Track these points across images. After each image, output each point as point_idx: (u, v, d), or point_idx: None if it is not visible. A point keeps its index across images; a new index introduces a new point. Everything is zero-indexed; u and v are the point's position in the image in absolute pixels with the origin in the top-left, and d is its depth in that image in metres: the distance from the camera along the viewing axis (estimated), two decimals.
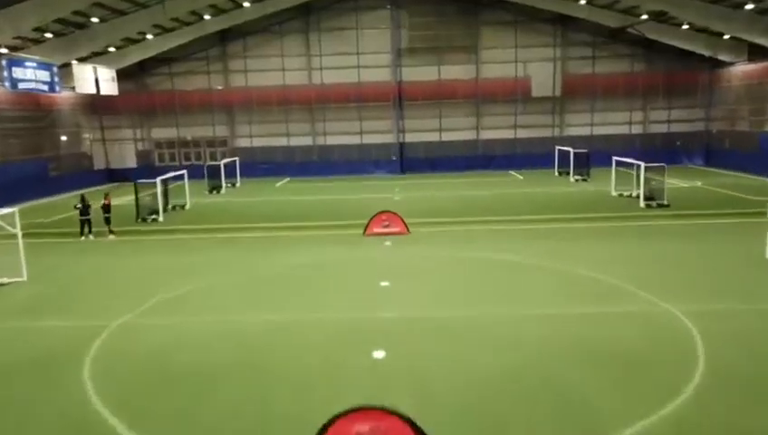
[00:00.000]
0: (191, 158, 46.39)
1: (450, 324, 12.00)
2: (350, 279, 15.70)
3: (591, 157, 36.78)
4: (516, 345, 10.82)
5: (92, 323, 12.71)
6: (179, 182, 30.49)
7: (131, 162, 46.49)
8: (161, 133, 46.31)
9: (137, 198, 26.42)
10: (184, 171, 30.62)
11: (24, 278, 16.27)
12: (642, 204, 25.57)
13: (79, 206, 22.43)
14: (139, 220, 26.03)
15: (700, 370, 9.49)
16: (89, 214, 22.50)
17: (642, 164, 25.72)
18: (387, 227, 21.56)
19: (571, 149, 36.61)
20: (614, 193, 29.04)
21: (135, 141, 46.60)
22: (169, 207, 29.30)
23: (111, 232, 22.77)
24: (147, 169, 44.50)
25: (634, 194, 28.27)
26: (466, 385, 9.27)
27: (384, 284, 15.00)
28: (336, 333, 11.77)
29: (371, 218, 21.65)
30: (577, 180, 35.78)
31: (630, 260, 16.67)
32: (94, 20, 31.84)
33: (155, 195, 27.47)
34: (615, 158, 29.58)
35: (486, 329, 11.72)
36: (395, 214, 21.85)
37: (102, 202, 22.96)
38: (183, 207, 29.63)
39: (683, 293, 13.43)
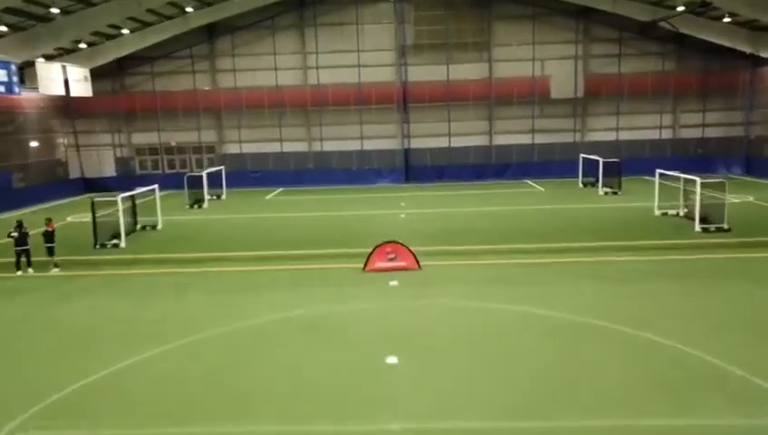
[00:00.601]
0: (176, 165, 42.37)
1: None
2: (343, 351, 11.52)
3: (615, 164, 32.58)
4: None
5: None
6: (158, 195, 26.31)
7: (110, 170, 42.46)
8: (142, 138, 42.26)
9: (94, 220, 22.27)
10: (155, 186, 26.40)
11: None
12: (697, 227, 21.36)
13: (14, 234, 18.31)
14: (98, 246, 21.91)
15: None
16: (27, 243, 18.39)
17: (698, 180, 21.47)
18: (392, 260, 17.40)
19: (599, 159, 32.35)
20: (657, 212, 24.82)
21: (114, 147, 42.52)
22: (138, 226, 25.25)
23: (55, 265, 18.67)
24: (127, 177, 40.70)
25: (681, 213, 24.14)
26: None
27: (391, 360, 10.84)
28: None
29: (373, 250, 17.47)
30: (607, 193, 31.57)
31: (721, 320, 12.52)
32: (54, 11, 27.73)
33: (125, 211, 23.41)
34: (659, 170, 25.31)
35: None
36: (401, 245, 17.67)
37: (44, 228, 18.82)
38: (154, 227, 25.50)
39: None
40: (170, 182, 38.40)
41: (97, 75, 37.97)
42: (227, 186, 36.44)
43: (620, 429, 8.32)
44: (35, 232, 19.46)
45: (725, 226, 21.21)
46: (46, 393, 9.82)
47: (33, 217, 26.54)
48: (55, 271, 18.46)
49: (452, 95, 39.87)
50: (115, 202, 23.16)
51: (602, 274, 16.28)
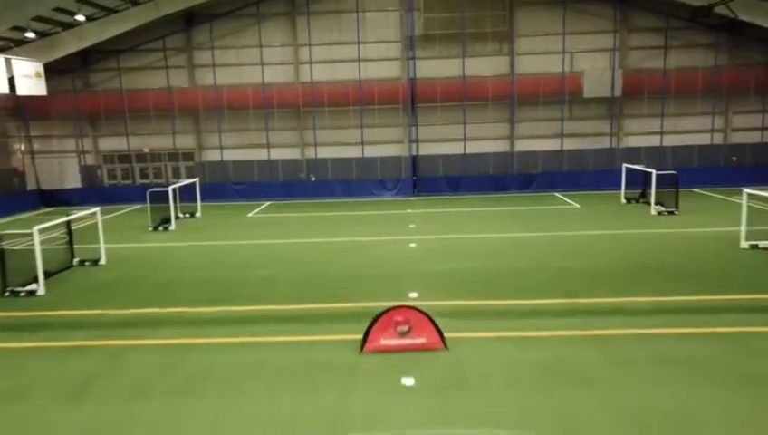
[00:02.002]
0: (149, 175, 36.96)
1: None
2: None
3: (670, 176, 26.97)
4: None
5: None
6: (100, 219, 20.73)
7: (74, 181, 36.95)
8: (111, 144, 36.77)
9: (3, 258, 16.69)
10: (96, 209, 20.78)
11: None
12: None
13: None
14: (7, 293, 16.38)
15: None
16: None
17: None
18: (404, 335, 11.77)
19: (653, 171, 26.64)
20: (744, 244, 19.12)
21: (78, 155, 36.96)
22: (75, 261, 19.75)
23: None
24: (93, 189, 35.45)
25: None
26: None
27: None
28: None
29: (377, 318, 11.82)
30: (661, 213, 25.91)
31: None
32: None
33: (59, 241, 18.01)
34: (747, 190, 19.58)
35: None
36: (418, 311, 12.02)
37: None
38: (96, 262, 19.92)
39: None
40: (142, 195, 32.83)
41: (55, 72, 32.63)
42: (206, 199, 31.07)
43: None
44: None
45: None
46: None
47: None
48: None
49: (468, 94, 34.24)
50: (57, 225, 17.75)
51: (708, 359, 10.61)
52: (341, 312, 13.91)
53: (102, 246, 20.16)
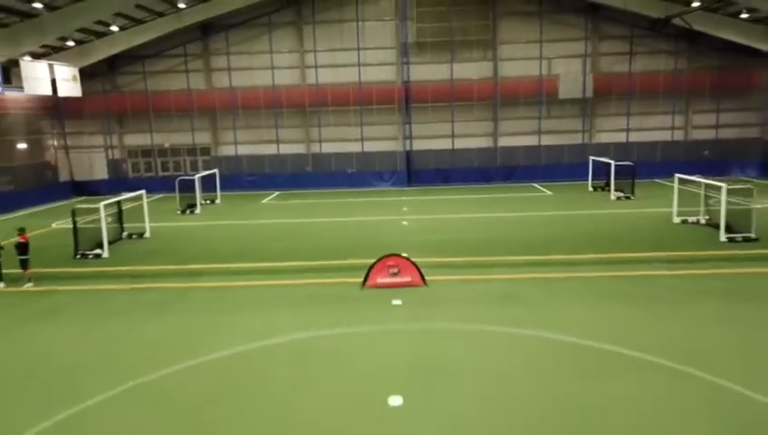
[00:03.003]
0: (170, 168, 40.94)
1: None
2: (340, 390, 10.02)
3: (628, 167, 31.13)
4: None
5: None
6: (145, 200, 24.79)
7: (101, 173, 40.98)
8: (135, 140, 40.80)
9: (75, 229, 20.80)
10: (142, 191, 24.91)
11: None
12: (723, 237, 19.87)
13: None
14: (78, 256, 20.46)
15: None
16: None
17: (724, 185, 19.97)
18: (395, 275, 15.91)
19: (611, 162, 30.87)
20: (676, 219, 23.31)
21: (105, 149, 41.00)
22: (124, 234, 23.79)
23: (29, 279, 17.20)
24: (119, 181, 39.34)
25: (702, 220, 22.66)
26: None
27: (394, 402, 9.35)
28: None
29: (374, 264, 15.98)
30: (619, 198, 30.08)
31: (759, 346, 11.06)
32: (37, 5, 26.30)
33: (109, 220, 22.01)
34: (678, 175, 23.80)
35: None
36: (405, 258, 16.19)
37: (17, 240, 17.36)
38: (141, 235, 24.02)
39: None
40: (164, 185, 37.19)
41: (87, 75, 36.52)
42: (222, 189, 35.01)
43: None
44: (7, 243, 17.97)
45: (753, 235, 19.71)
46: None
47: (20, 221, 25.01)
48: (29, 286, 17.00)
49: (456, 95, 38.39)
50: (109, 204, 21.82)
51: (622, 291, 14.76)
52: (347, 266, 17.97)
53: (147, 222, 24.27)
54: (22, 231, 17.48)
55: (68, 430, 8.87)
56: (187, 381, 10.40)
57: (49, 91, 32.88)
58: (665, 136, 38.85)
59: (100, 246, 20.86)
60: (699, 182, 22.62)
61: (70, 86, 34.85)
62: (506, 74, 38.43)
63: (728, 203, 20.36)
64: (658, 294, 14.50)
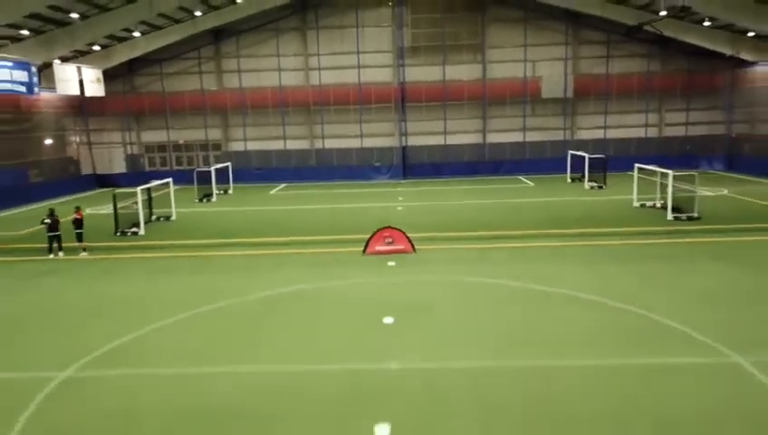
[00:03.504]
0: (183, 162, 44.23)
1: (474, 381, 9.71)
2: (348, 313, 13.39)
3: (601, 160, 34.48)
4: (543, 411, 8.54)
5: (34, 374, 10.47)
6: (172, 188, 28.10)
7: (120, 167, 44.26)
8: (151, 137, 44.12)
9: (115, 210, 24.16)
10: (169, 179, 28.27)
11: None
12: (670, 216, 23.27)
13: (47, 221, 20.15)
14: (118, 233, 23.78)
15: None
16: (58, 230, 20.23)
17: (671, 172, 23.37)
18: (390, 244, 19.27)
19: (585, 155, 34.30)
20: (636, 204, 26.72)
21: (124, 145, 44.33)
22: (153, 217, 27.09)
23: (84, 249, 20.53)
24: (136, 174, 42.45)
25: (658, 205, 26.02)
26: None
27: (387, 320, 12.71)
28: (327, 394, 9.49)
29: (372, 235, 19.35)
30: (592, 188, 33.48)
31: (670, 289, 14.40)
32: (74, 15, 29.59)
33: (140, 203, 25.23)
34: (637, 165, 27.21)
35: (507, 389, 9.43)
36: (398, 230, 19.56)
37: (73, 216, 20.70)
38: (168, 217, 27.36)
39: (742, 336, 11.14)
40: (178, 178, 40.22)
41: (108, 76, 39.79)
42: (233, 181, 38.28)
43: (570, 367, 10.15)
44: (65, 220, 21.27)
45: (696, 214, 23.10)
46: (97, 347, 11.69)
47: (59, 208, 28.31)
48: (84, 255, 20.30)
49: (447, 95, 41.73)
50: (132, 195, 25.14)
51: (574, 255, 18.16)
52: (350, 240, 21.23)
53: (173, 207, 27.61)
54: (78, 209, 20.82)
55: (146, 339, 12.20)
56: (230, 312, 13.73)
57: (77, 92, 36.29)
58: (639, 133, 42.24)
59: (136, 225, 24.18)
60: (656, 171, 25.95)
61: (95, 87, 38.25)
62: (494, 76, 41.77)
63: (675, 189, 23.74)
64: (609, 257, 17.88)
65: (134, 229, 24.11)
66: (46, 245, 20.33)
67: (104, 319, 13.56)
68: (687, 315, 12.33)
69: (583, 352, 10.83)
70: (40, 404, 9.40)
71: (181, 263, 19.05)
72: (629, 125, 42.17)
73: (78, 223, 20.51)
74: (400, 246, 19.24)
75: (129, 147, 44.28)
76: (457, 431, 8.22)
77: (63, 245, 20.41)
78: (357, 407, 9.00)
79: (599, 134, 42.12)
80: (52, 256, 20.11)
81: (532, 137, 42.42)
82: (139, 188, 24.34)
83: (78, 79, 36.09)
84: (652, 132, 42.42)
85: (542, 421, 8.38)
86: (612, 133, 42.08)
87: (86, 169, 43.55)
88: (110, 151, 44.41)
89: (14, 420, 8.87)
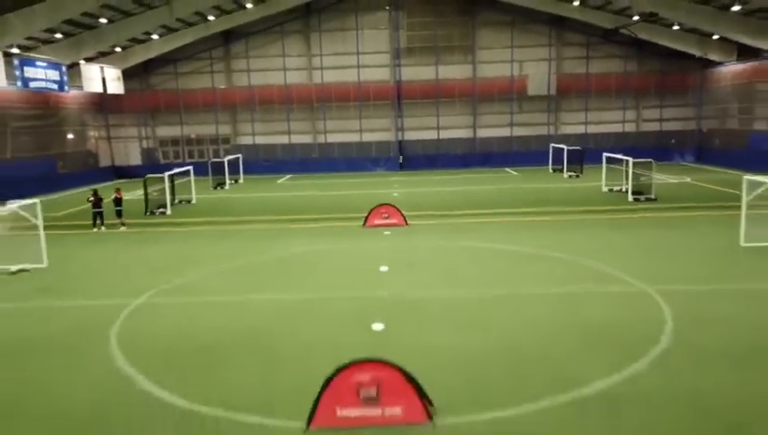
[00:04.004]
0: (195, 155, 47.39)
1: (444, 304, 13.05)
2: (352, 265, 16.73)
3: (586, 154, 37.87)
4: (510, 322, 11.87)
5: (113, 302, 13.76)
6: (185, 178, 31.41)
7: (136, 160, 47.50)
8: (166, 131, 47.35)
9: (146, 193, 27.48)
10: (190, 167, 31.58)
11: (45, 265, 17.30)
12: (630, 198, 26.63)
13: (92, 199, 23.46)
14: (148, 213, 27.07)
15: (664, 339, 10.53)
16: (101, 207, 23.52)
17: (630, 160, 26.75)
18: (386, 218, 22.60)
19: (564, 147, 37.64)
20: (604, 189, 30.09)
21: (140, 139, 47.58)
22: (176, 201, 30.33)
23: (123, 224, 23.82)
24: (151, 166, 45.40)
25: (624, 189, 29.32)
26: (450, 350, 10.31)
27: (383, 270, 16.04)
28: (338, 309, 12.80)
29: (371, 211, 22.70)
30: (570, 177, 36.83)
31: (615, 248, 17.73)
32: (102, 21, 32.85)
33: (161, 190, 28.52)
34: (605, 154, 30.58)
35: (471, 307, 12.77)
36: (394, 207, 22.89)
37: (114, 196, 24.01)
38: (189, 201, 30.67)
39: (659, 275, 14.48)
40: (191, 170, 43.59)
41: (126, 75, 42.98)
42: (242, 172, 41.55)
43: (523, 295, 13.47)
44: (107, 201, 24.56)
45: (653, 196, 26.47)
46: (155, 286, 15.03)
47: (76, 197, 31.59)
48: (123, 229, 23.59)
49: (440, 93, 45.03)
50: (157, 181, 28.41)
51: (543, 226, 21.53)
52: (351, 217, 24.55)
53: (194, 192, 30.93)
54: (118, 189, 24.16)
55: (193, 281, 15.50)
56: (254, 265, 17.06)
57: (101, 90, 39.57)
58: (617, 128, 45.59)
59: (163, 206, 27.49)
60: (622, 160, 29.30)
61: (115, 85, 41.52)
62: (484, 75, 45.07)
63: (639, 176, 27.09)
64: (572, 227, 21.25)
65: (161, 210, 27.41)
66: (88, 222, 23.63)
67: (154, 270, 16.87)
68: (621, 264, 15.65)
69: (534, 286, 14.18)
70: (123, 320, 12.70)
71: (209, 234, 22.38)
72: (608, 121, 45.51)
73: (118, 201, 23.82)
74: (395, 220, 22.58)
75: (144, 141, 47.53)
76: (432, 330, 11.54)
77: (104, 221, 23.71)
78: (359, 317, 12.31)
79: (580, 129, 45.44)
80: (95, 229, 23.39)
81: (519, 132, 45.73)
82: (166, 174, 27.68)
83: (101, 77, 39.38)
84: (629, 127, 45.77)
85: (494, 326, 11.71)
86: (593, 128, 45.41)
87: (104, 162, 46.80)
88: (127, 145, 47.67)
89: (107, 330, 12.16)
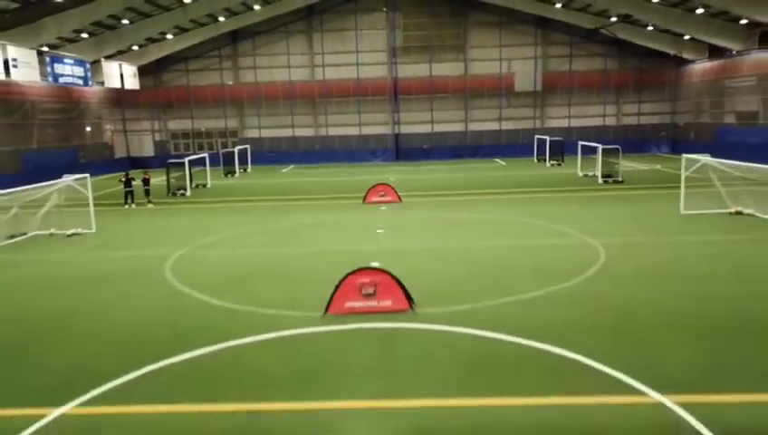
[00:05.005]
0: (204, 147, 50.37)
1: (429, 251, 16.25)
2: (353, 229, 19.95)
3: (569, 146, 40.93)
4: (479, 261, 15.09)
5: (159, 253, 16.95)
6: (200, 168, 34.55)
7: (149, 151, 50.62)
8: (177, 125, 50.46)
9: (168, 177, 30.67)
10: (205, 154, 34.75)
11: (93, 230, 20.48)
12: (600, 181, 29.88)
13: (123, 179, 26.65)
14: (170, 195, 30.24)
15: (592, 269, 13.75)
16: (132, 186, 26.71)
17: (600, 146, 30.03)
18: (382, 196, 25.81)
19: (547, 138, 40.87)
20: (580, 174, 33.34)
21: (153, 132, 50.72)
22: (193, 185, 33.49)
23: (150, 202, 26.99)
24: (164, 157, 48.37)
25: (597, 174, 32.56)
26: (432, 273, 13.49)
27: (379, 231, 19.26)
28: (342, 255, 16.00)
29: (369, 190, 25.92)
30: (552, 165, 40.07)
31: (578, 216, 20.95)
32: (125, 22, 35.98)
33: (179, 176, 31.61)
34: (581, 143, 33.84)
35: (451, 252, 15.98)
36: (389, 186, 26.11)
37: (143, 177, 27.22)
38: (205, 186, 33.84)
39: (606, 232, 17.73)
40: (201, 161, 46.70)
41: (141, 72, 46.07)
42: (248, 163, 44.69)
43: (497, 245, 16.66)
44: (137, 184, 27.71)
45: (620, 179, 29.74)
46: (191, 243, 18.22)
47: (101, 182, 34.81)
48: (150, 206, 26.76)
49: (434, 89, 48.21)
50: (161, 173, 31.58)
51: (521, 202, 24.78)
52: (351, 196, 27.75)
53: (209, 178, 34.14)
54: (146, 172, 27.37)
55: (222, 239, 18.68)
56: (270, 230, 20.26)
57: (119, 85, 42.67)
58: (599, 121, 48.78)
59: (183, 189, 30.68)
60: (595, 148, 32.55)
61: (132, 81, 44.63)
62: (474, 72, 48.26)
63: (610, 163, 30.38)
64: (549, 202, 24.50)
65: (182, 191, 30.59)
66: (118, 202, 26.84)
67: (187, 233, 20.06)
68: (579, 226, 18.86)
69: (505, 240, 17.42)
70: (173, 263, 15.86)
71: (227, 210, 25.58)
72: (591, 115, 48.72)
73: (146, 182, 27.02)
74: (390, 198, 25.79)
75: (157, 133, 50.67)
76: (418, 265, 14.74)
77: (134, 200, 26.90)
78: (359, 260, 15.50)
79: (564, 123, 48.67)
80: (127, 206, 26.58)
81: (507, 125, 48.96)
82: (186, 159, 30.88)
83: (119, 74, 42.49)
84: (610, 121, 49.00)
85: (468, 262, 14.92)
86: (576, 122, 48.62)
87: (120, 153, 49.88)
88: (141, 137, 50.81)
89: (161, 268, 15.34)
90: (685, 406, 7.01)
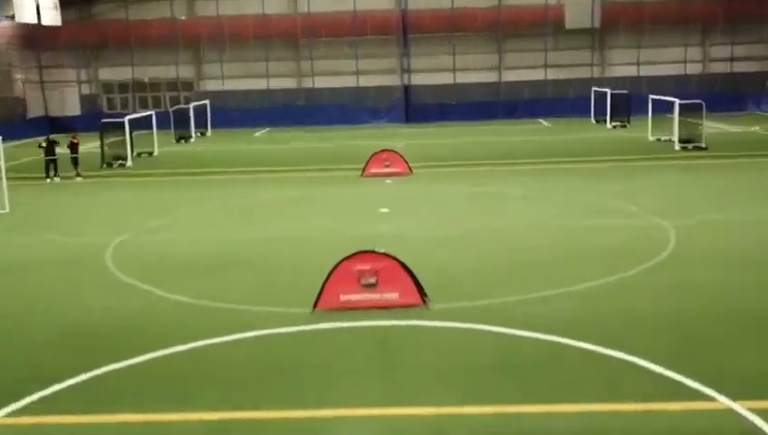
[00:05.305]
0: (148, 104, 50.68)
1: (449, 236, 16.90)
2: (349, 208, 20.64)
3: (637, 102, 41.23)
4: (515, 247, 15.72)
5: (96, 238, 17.62)
6: (144, 131, 35.16)
7: (74, 109, 51.25)
8: (111, 74, 51.09)
9: (102, 143, 31.36)
10: (152, 112, 35.42)
11: (7, 210, 21.16)
12: (677, 147, 30.46)
13: (43, 145, 27.29)
14: (104, 166, 30.88)
15: (660, 256, 14.39)
16: (55, 154, 27.37)
17: (677, 101, 30.53)
18: (388, 167, 26.40)
19: (608, 91, 41.30)
20: (651, 138, 33.90)
21: (79, 83, 51.34)
22: (135, 154, 34.08)
23: (79, 174, 27.66)
24: (93, 116, 48.65)
25: (674, 138, 33.06)
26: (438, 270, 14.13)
27: (383, 211, 19.94)
28: (332, 242, 16.63)
29: (370, 159, 26.53)
30: (615, 127, 40.60)
31: (645, 191, 21.64)
32: None
33: (116, 142, 32.19)
34: (653, 97, 34.33)
35: (485, 237, 16.63)
36: (397, 153, 26.73)
37: (70, 141, 27.90)
38: (151, 154, 34.53)
39: (680, 212, 18.37)
40: (144, 122, 47.28)
41: (64, 3, 46.40)
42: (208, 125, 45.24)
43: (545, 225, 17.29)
44: (62, 152, 28.39)
45: (703, 145, 30.29)
46: (132, 228, 18.93)
47: (16, 150, 35.53)
48: (79, 180, 27.43)
49: (457, 25, 48.50)
50: (92, 139, 32.21)
51: (566, 173, 25.42)
52: (351, 166, 28.27)
53: (155, 143, 34.83)
54: (74, 135, 28.11)
55: (162, 227, 19.35)
56: (241, 210, 20.93)
57: (35, 20, 43.10)
58: (678, 70, 49.00)
59: (122, 158, 31.33)
60: (671, 105, 33.04)
61: (51, 14, 44.95)
62: (511, 2, 48.50)
63: (688, 122, 30.95)
64: (614, 174, 25.28)
65: (120, 162, 31.25)
66: (34, 174, 27.56)
67: (133, 213, 20.77)
68: (646, 204, 19.49)
69: (543, 220, 18.05)
70: (115, 252, 16.51)
71: (179, 184, 26.34)
72: (666, 61, 49.02)
73: (74, 147, 27.69)
74: (398, 169, 26.38)
75: (84, 85, 51.29)
76: (433, 252, 15.38)
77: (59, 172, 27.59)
78: (356, 246, 16.12)
79: (631, 71, 49.01)
80: (48, 180, 27.26)
81: (555, 74, 49.40)
82: (126, 119, 31.57)
83: (35, 3, 42.87)
84: (693, 69, 49.33)
85: (499, 253, 15.57)
86: (646, 70, 48.90)
87: (35, 111, 50.42)
88: (63, 91, 51.41)
89: (103, 252, 16.01)
90: (759, 413, 7.63)
